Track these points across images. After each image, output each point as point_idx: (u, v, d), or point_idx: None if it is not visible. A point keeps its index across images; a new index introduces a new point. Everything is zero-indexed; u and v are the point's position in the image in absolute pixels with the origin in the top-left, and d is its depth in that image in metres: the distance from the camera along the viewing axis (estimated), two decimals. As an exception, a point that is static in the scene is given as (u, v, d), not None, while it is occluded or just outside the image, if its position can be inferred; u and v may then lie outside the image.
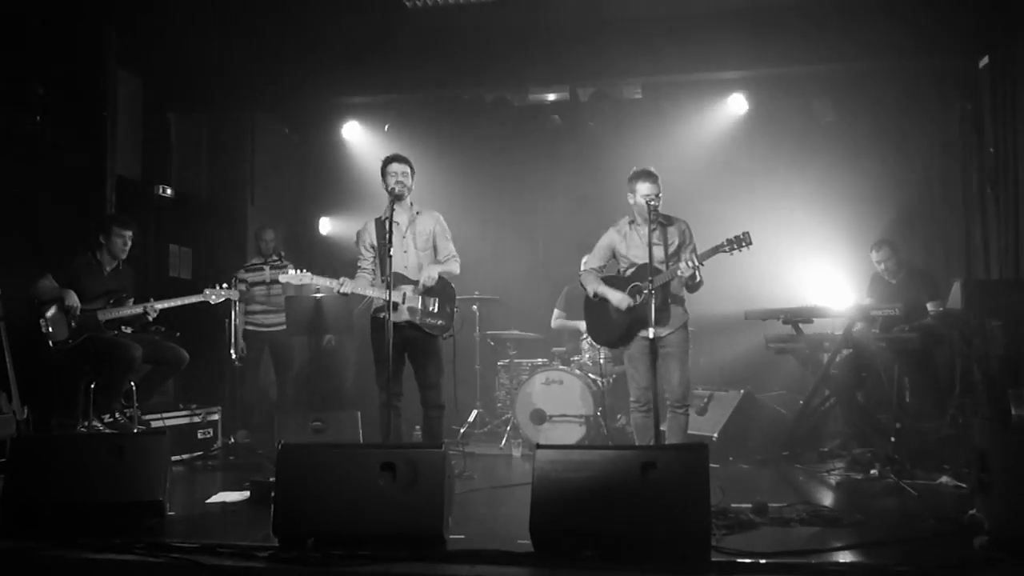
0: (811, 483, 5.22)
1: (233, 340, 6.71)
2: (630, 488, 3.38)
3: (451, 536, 3.57)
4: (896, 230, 7.24)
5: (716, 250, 4.70)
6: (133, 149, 7.38)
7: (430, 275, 5.15)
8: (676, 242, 5.01)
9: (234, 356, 6.72)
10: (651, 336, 4.46)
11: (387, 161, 5.27)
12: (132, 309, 5.88)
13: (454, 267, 5.34)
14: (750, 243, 4.63)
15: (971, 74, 7.02)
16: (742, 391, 6.49)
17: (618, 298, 5.08)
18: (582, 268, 5.45)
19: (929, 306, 5.98)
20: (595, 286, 5.24)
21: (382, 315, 4.97)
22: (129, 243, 5.99)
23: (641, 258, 4.88)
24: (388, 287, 4.80)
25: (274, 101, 8.26)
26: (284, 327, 7.08)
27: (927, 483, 4.85)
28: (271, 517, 3.58)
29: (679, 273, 4.76)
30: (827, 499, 4.67)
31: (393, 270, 4.97)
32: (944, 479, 4.90)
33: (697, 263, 4.72)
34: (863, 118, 7.74)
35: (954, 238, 7.40)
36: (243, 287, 7.16)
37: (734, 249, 4.65)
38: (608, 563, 3.16)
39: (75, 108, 6.60)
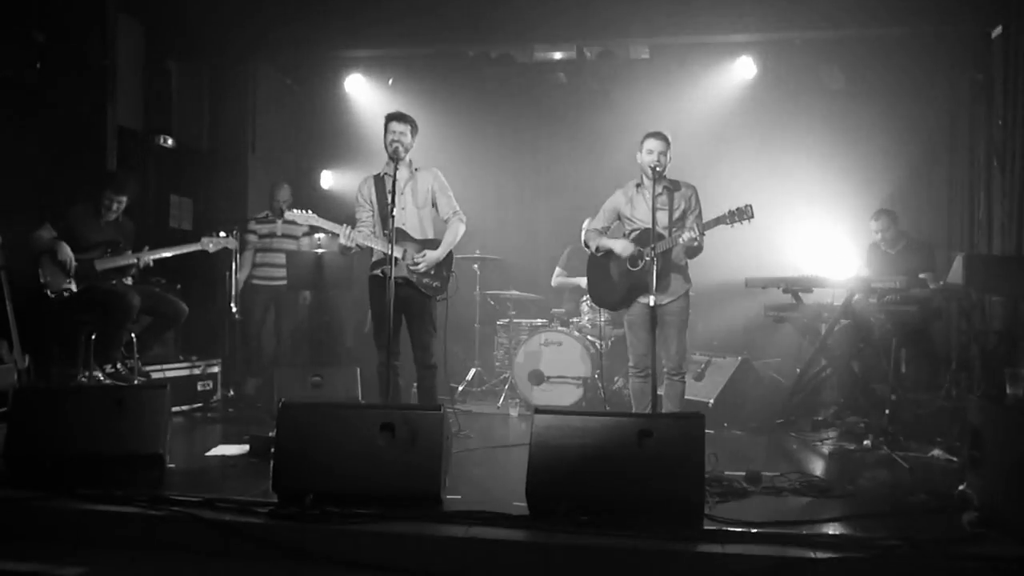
0: (804, 452, 5.27)
1: (234, 293, 6.69)
2: (626, 455, 3.43)
3: (447, 496, 3.62)
4: (899, 200, 7.23)
5: (718, 221, 4.67)
6: (133, 98, 7.30)
7: (426, 260, 5.13)
8: (681, 207, 4.97)
9: (234, 309, 6.71)
10: (651, 303, 4.47)
11: (388, 119, 5.22)
12: (128, 259, 5.88)
13: (458, 229, 5.30)
14: (752, 216, 4.60)
15: (983, 44, 6.92)
16: (739, 358, 6.53)
17: (621, 246, 5.02)
18: (584, 228, 5.41)
19: (921, 276, 5.99)
20: (597, 241, 5.21)
21: (380, 271, 4.98)
22: (122, 206, 5.95)
23: (645, 222, 4.85)
24: (391, 246, 4.78)
25: (276, 52, 8.12)
26: (286, 282, 7.09)
27: (919, 456, 4.89)
28: (270, 472, 3.63)
29: (681, 241, 4.74)
30: (819, 469, 4.72)
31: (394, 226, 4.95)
32: (936, 452, 4.94)
33: (699, 232, 4.70)
34: (871, 86, 7.66)
35: (957, 211, 7.37)
36: (254, 238, 7.14)
37: (735, 221, 4.62)
38: (602, 528, 3.20)
39: (76, 56, 6.51)
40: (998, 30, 6.69)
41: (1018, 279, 5.26)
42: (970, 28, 6.96)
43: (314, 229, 6.69)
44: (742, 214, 4.61)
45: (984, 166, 6.88)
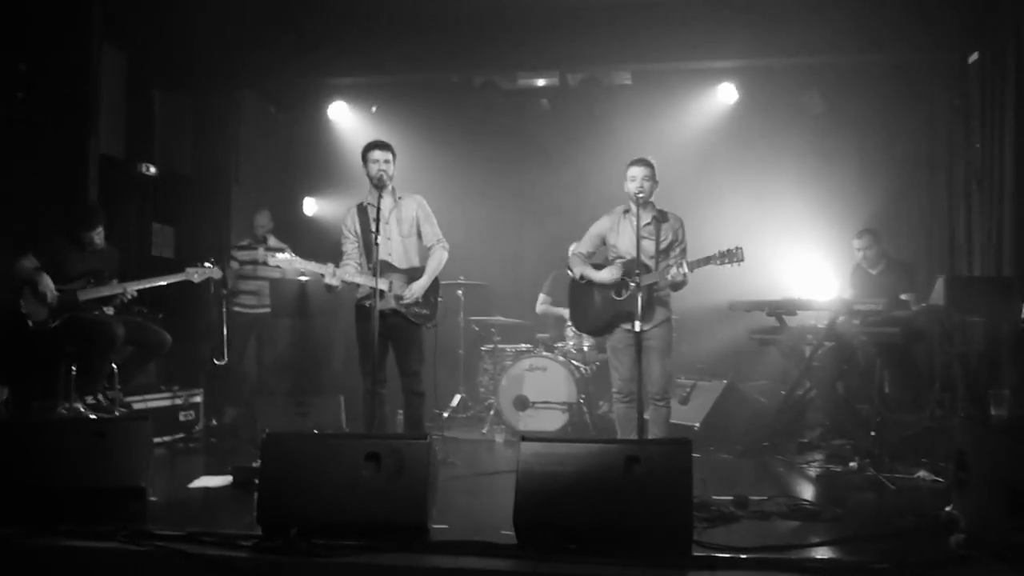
0: (791, 475, 5.27)
1: (225, 334, 6.59)
2: (614, 482, 3.40)
3: (434, 526, 3.59)
4: (880, 223, 7.27)
5: (708, 261, 4.67)
6: (116, 127, 7.29)
7: (412, 293, 5.12)
8: (668, 239, 4.95)
9: (222, 361, 6.62)
10: (637, 329, 4.47)
11: (368, 148, 5.19)
12: (113, 289, 5.82)
13: (442, 257, 5.30)
14: (742, 259, 4.60)
15: (961, 69, 7.05)
16: (725, 381, 6.54)
17: (608, 275, 5.00)
18: (570, 252, 5.41)
19: (903, 297, 6.04)
20: (581, 268, 5.18)
21: (367, 303, 4.96)
22: (98, 238, 5.89)
23: (630, 250, 4.84)
24: (375, 275, 4.77)
25: (260, 80, 8.15)
26: (267, 309, 7.04)
27: (905, 477, 4.89)
28: (254, 504, 3.58)
29: (668, 277, 4.74)
30: (807, 492, 4.72)
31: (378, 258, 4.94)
32: (922, 473, 4.94)
33: (687, 271, 4.70)
34: (851, 111, 7.76)
35: (937, 233, 7.45)
36: (235, 264, 7.10)
37: (725, 263, 4.62)
38: (591, 557, 3.17)
39: (58, 84, 6.50)
40: (975, 56, 6.82)
41: (998, 300, 5.30)
42: (947, 54, 7.09)
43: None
44: (732, 256, 4.61)
45: (963, 188, 6.97)
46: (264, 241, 7.22)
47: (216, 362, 6.62)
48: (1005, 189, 6.06)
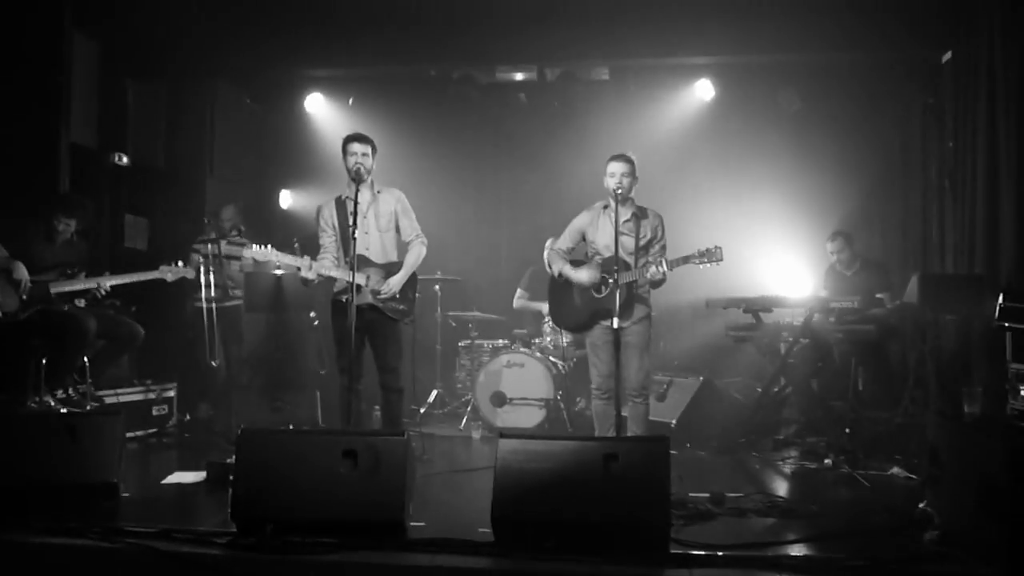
0: (767, 472, 5.30)
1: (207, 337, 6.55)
2: (592, 479, 3.40)
3: (411, 524, 3.57)
4: (854, 221, 7.36)
5: (687, 260, 4.68)
6: (88, 116, 7.16)
7: (389, 288, 5.08)
8: (648, 236, 4.94)
9: (216, 362, 6.57)
10: (615, 326, 4.47)
11: (347, 140, 5.14)
12: (84, 283, 5.73)
13: (420, 252, 5.27)
14: (720, 259, 4.60)
15: (934, 69, 7.11)
16: (701, 378, 6.56)
17: (587, 276, 5.01)
18: (547, 248, 5.38)
19: (879, 296, 6.10)
20: (560, 266, 5.16)
21: (343, 298, 4.91)
22: (71, 228, 5.81)
23: (608, 245, 4.83)
24: (352, 270, 4.72)
25: (236, 70, 8.03)
26: (236, 303, 6.97)
27: (879, 473, 4.95)
28: (229, 501, 3.54)
29: (647, 276, 4.73)
30: (782, 489, 4.75)
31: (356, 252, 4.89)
32: (895, 470, 5.00)
33: (666, 269, 4.69)
34: (827, 109, 7.80)
35: (911, 231, 7.52)
36: (198, 258, 7.01)
37: (704, 262, 4.63)
38: (569, 554, 3.17)
39: (28, 73, 6.38)
40: (948, 55, 6.87)
41: (971, 298, 5.36)
42: (921, 53, 7.14)
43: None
44: (711, 256, 4.61)
45: (937, 188, 7.03)
46: (228, 234, 7.13)
47: (213, 363, 6.56)
48: (978, 188, 6.12)
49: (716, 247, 4.62)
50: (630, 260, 4.85)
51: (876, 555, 3.21)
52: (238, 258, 6.95)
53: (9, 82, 6.30)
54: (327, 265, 5.08)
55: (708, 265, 4.63)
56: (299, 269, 5.00)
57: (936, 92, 7.11)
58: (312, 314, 7.06)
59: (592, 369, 5.10)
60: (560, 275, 5.17)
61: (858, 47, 7.03)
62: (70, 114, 6.65)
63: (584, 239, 5.19)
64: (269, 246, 5.03)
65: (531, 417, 6.64)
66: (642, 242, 4.92)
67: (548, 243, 5.44)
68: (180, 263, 6.07)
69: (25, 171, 6.30)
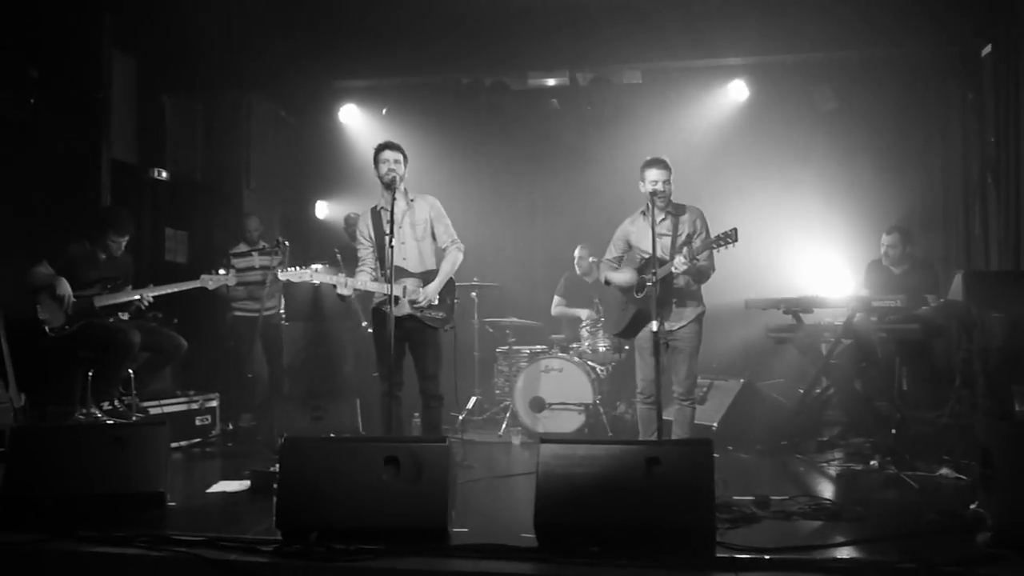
0: (811, 474, 5.22)
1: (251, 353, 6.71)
2: (635, 483, 3.38)
3: (454, 529, 3.57)
4: (895, 218, 7.21)
5: (705, 246, 4.70)
6: (127, 132, 7.31)
7: (425, 296, 5.09)
8: (686, 231, 4.94)
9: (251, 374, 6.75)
10: (654, 329, 4.44)
11: (379, 148, 5.17)
12: (128, 295, 5.84)
13: (456, 258, 5.26)
14: (736, 240, 4.59)
15: (974, 63, 6.99)
16: (742, 380, 6.50)
17: (625, 277, 5.10)
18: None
19: (928, 299, 5.98)
20: (604, 273, 5.29)
21: (384, 308, 4.93)
22: (123, 244, 5.93)
23: (650, 249, 4.82)
24: (390, 282, 4.75)
25: (270, 83, 8.15)
26: (274, 312, 7.04)
27: (927, 475, 4.85)
28: (273, 509, 3.56)
29: (674, 268, 4.71)
30: (828, 491, 4.67)
31: (393, 263, 4.92)
32: (944, 471, 4.90)
33: (688, 257, 4.67)
34: (864, 107, 7.71)
35: (954, 228, 7.39)
36: (233, 270, 7.09)
37: (721, 245, 4.62)
38: (613, 559, 3.15)
39: (70, 91, 6.53)
40: (987, 49, 6.76)
41: (1017, 294, 5.25)
42: (960, 47, 7.03)
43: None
44: (727, 238, 4.61)
45: (978, 182, 6.91)
46: (256, 244, 7.23)
47: (249, 375, 6.64)
48: (1021, 183, 6.01)
49: (732, 229, 4.61)
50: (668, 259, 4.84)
51: (927, 558, 3.13)
52: (271, 268, 7.03)
53: (52, 100, 6.43)
54: (363, 280, 5.11)
55: (728, 247, 4.62)
56: (335, 287, 5.04)
57: (976, 86, 6.99)
58: (364, 323, 7.09)
59: (638, 372, 5.08)
60: (607, 282, 5.27)
61: (893, 43, 6.94)
62: (110, 131, 6.77)
63: (630, 247, 5.22)
64: (306, 266, 5.09)
65: (570, 422, 6.62)
66: (681, 238, 4.92)
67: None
68: (221, 272, 6.17)
69: (68, 187, 6.45)
